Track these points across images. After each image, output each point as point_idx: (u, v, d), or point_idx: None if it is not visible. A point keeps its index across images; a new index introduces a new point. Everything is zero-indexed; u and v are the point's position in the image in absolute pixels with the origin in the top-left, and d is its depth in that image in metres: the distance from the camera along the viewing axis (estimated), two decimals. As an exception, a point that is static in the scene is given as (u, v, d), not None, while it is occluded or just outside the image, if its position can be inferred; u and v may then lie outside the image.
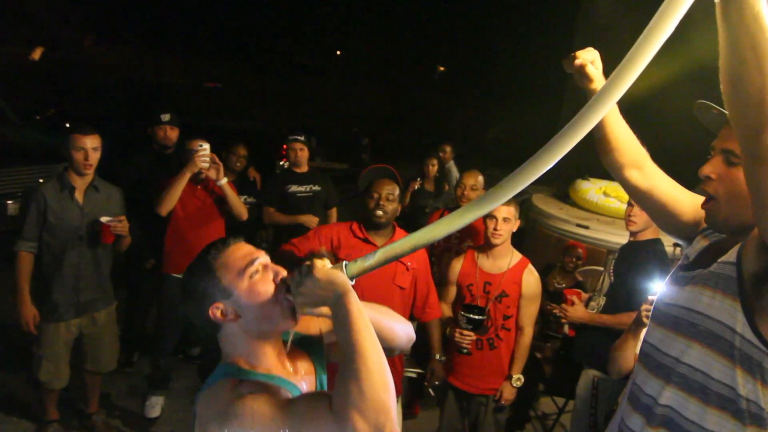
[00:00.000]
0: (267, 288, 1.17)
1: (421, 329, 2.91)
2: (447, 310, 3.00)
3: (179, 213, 3.46)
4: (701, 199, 1.42)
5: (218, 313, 1.16)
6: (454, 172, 5.41)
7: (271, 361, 1.21)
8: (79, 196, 3.00)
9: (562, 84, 7.75)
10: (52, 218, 2.93)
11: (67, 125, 7.48)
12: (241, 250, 1.20)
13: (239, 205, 3.58)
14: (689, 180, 1.63)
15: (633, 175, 1.54)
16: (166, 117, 3.83)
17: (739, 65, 1.03)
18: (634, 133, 1.55)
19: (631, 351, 2.05)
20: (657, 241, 2.85)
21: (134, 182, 3.66)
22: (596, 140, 1.55)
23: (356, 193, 2.82)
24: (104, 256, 3.13)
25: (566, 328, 3.27)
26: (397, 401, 2.66)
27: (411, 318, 2.89)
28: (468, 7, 23.24)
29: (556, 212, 5.51)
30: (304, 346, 1.35)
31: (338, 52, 30.23)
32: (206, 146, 3.37)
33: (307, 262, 1.12)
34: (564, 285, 3.83)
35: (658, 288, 1.54)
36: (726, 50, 1.05)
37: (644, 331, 1.77)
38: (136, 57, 22.85)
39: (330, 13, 26.75)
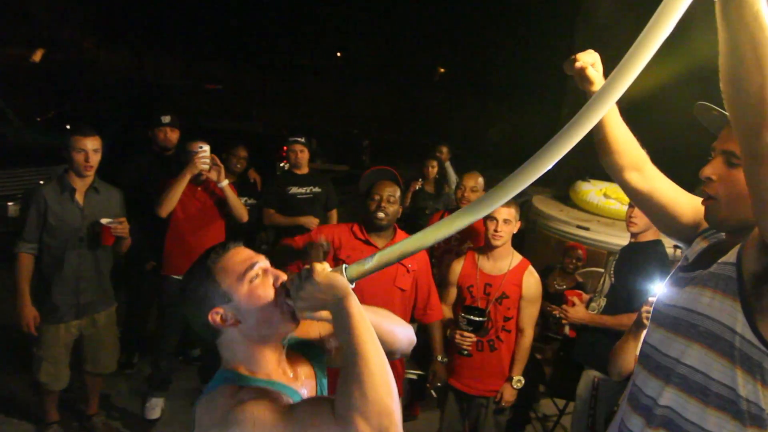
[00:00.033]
0: (267, 292, 1.16)
1: (422, 331, 2.91)
2: (447, 312, 3.00)
3: (179, 214, 3.46)
4: (700, 201, 1.42)
5: (218, 319, 1.15)
6: (451, 173, 5.42)
7: (271, 367, 1.20)
8: (79, 197, 3.00)
9: (562, 85, 7.75)
10: (53, 220, 2.93)
11: (68, 127, 7.54)
12: (241, 254, 1.19)
13: (240, 207, 3.58)
14: (689, 181, 1.63)
15: (632, 177, 1.54)
16: (166, 119, 3.83)
17: (739, 64, 1.03)
18: (634, 134, 1.55)
19: (631, 352, 2.04)
20: (658, 243, 2.85)
21: (134, 184, 3.66)
22: (596, 142, 1.55)
23: (357, 194, 2.82)
24: (104, 258, 3.13)
25: (567, 329, 3.27)
26: (398, 403, 2.65)
27: (412, 320, 2.90)
28: (468, 8, 23.24)
29: (556, 214, 5.51)
30: (304, 351, 1.34)
31: (338, 54, 30.24)
32: (206, 148, 3.38)
33: (307, 266, 1.11)
34: (564, 286, 3.83)
35: (658, 289, 1.54)
36: (726, 49, 1.05)
37: (644, 332, 1.76)
38: (137, 58, 22.90)
39: (330, 14, 26.74)
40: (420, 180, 5.17)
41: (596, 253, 4.65)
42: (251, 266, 1.17)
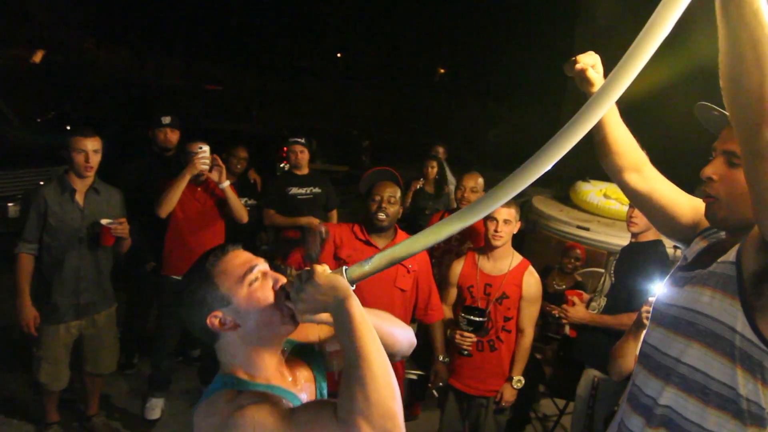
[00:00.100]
0: (266, 295, 1.15)
1: (422, 331, 2.91)
2: (447, 312, 3.00)
3: (179, 215, 3.46)
4: (699, 201, 1.43)
5: (216, 322, 1.13)
6: (448, 173, 5.41)
7: (270, 371, 1.19)
8: (79, 198, 3.00)
9: (562, 86, 7.76)
10: (53, 220, 2.93)
11: (68, 127, 7.54)
12: (240, 257, 1.18)
13: (240, 208, 3.58)
14: (689, 181, 1.64)
15: (632, 179, 1.54)
16: (166, 119, 3.83)
17: (739, 61, 1.03)
18: (635, 134, 1.55)
19: (631, 352, 2.04)
20: (658, 243, 2.85)
21: (134, 184, 3.66)
22: (596, 143, 1.55)
23: (357, 195, 2.82)
24: (104, 258, 3.13)
25: (567, 329, 3.27)
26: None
27: (412, 320, 2.90)
28: (468, 9, 23.26)
29: (556, 214, 5.51)
30: (303, 355, 1.32)
31: (338, 54, 30.26)
32: (206, 148, 3.38)
33: (307, 268, 1.10)
34: (563, 286, 3.83)
35: (658, 289, 1.54)
36: (725, 46, 1.05)
37: (644, 332, 1.77)
38: (137, 59, 22.91)
39: (330, 15, 26.77)
40: (421, 179, 5.17)
41: (596, 254, 4.65)
42: (250, 269, 1.15)
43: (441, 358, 2.90)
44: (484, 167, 4.65)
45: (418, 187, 5.12)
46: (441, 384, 2.96)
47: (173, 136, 3.87)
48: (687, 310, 1.32)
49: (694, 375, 1.28)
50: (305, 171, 4.40)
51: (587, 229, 5.04)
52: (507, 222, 2.84)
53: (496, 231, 2.84)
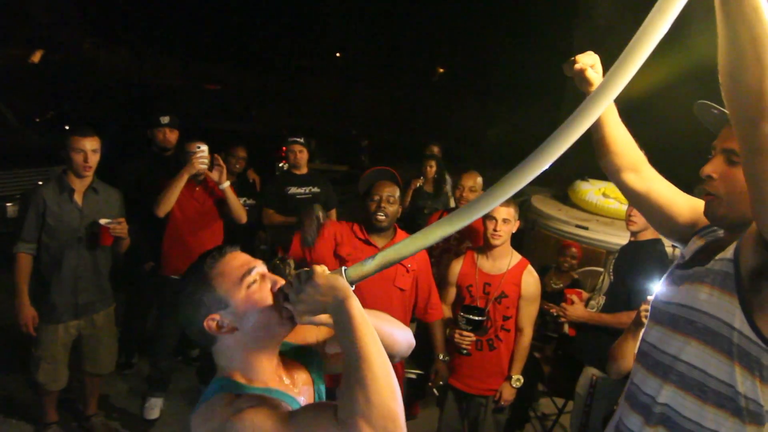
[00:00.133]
0: (265, 297, 1.14)
1: (421, 330, 2.91)
2: (447, 311, 3.00)
3: (177, 215, 3.46)
4: (697, 200, 1.43)
5: (214, 325, 1.12)
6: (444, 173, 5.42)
7: (268, 374, 1.17)
8: (78, 198, 3.00)
9: (561, 85, 7.75)
10: (51, 220, 2.93)
11: (67, 127, 7.53)
12: (238, 259, 1.16)
13: (239, 208, 3.58)
14: (689, 180, 1.64)
15: (630, 178, 1.54)
16: (165, 119, 3.83)
17: (738, 57, 1.03)
18: (634, 133, 1.55)
19: (630, 351, 2.04)
20: (657, 242, 2.85)
21: (133, 184, 3.66)
22: (594, 142, 1.55)
23: (356, 194, 2.81)
24: (103, 258, 3.13)
25: (566, 328, 3.27)
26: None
27: (412, 319, 2.90)
28: (468, 9, 23.25)
29: (555, 213, 5.52)
30: (301, 358, 1.31)
31: (338, 54, 30.25)
32: (204, 148, 3.38)
33: (306, 269, 1.09)
34: (561, 285, 3.83)
35: (657, 288, 1.54)
36: (725, 42, 1.05)
37: (643, 330, 1.77)
38: (136, 59, 22.88)
39: (330, 14, 26.76)
40: (420, 178, 5.17)
41: (595, 253, 4.65)
42: (249, 271, 1.14)
43: (441, 356, 2.89)
44: (483, 167, 4.65)
45: (418, 185, 5.12)
46: (441, 383, 2.96)
47: (172, 136, 3.87)
48: (685, 308, 1.33)
49: (692, 372, 1.28)
50: (304, 170, 4.40)
51: (586, 228, 5.04)
52: (506, 221, 2.84)
53: (495, 230, 2.84)
